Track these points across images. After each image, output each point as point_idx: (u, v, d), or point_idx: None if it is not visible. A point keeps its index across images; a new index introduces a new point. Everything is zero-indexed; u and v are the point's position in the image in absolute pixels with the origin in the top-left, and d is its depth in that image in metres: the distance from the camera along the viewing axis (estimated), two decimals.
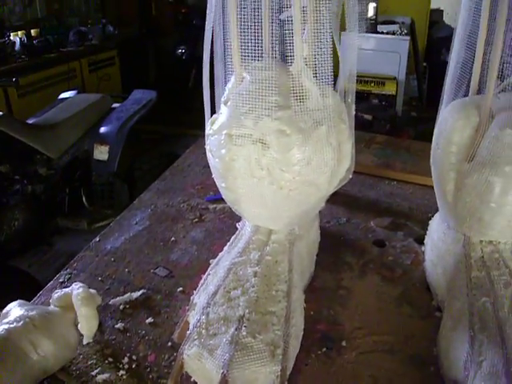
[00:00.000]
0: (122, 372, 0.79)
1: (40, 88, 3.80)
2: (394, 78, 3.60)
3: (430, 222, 1.07)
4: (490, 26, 0.83)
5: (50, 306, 0.84)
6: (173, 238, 1.14)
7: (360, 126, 3.06)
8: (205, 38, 0.82)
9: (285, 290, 0.81)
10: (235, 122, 0.76)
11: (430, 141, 0.96)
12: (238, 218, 0.99)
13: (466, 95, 0.90)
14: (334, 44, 0.78)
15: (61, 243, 2.83)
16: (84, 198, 2.83)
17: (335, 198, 1.21)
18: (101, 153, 2.75)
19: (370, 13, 3.75)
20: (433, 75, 4.20)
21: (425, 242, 1.07)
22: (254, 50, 0.75)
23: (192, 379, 0.76)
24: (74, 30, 4.50)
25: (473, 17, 0.85)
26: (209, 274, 0.87)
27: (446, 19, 4.79)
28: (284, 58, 0.77)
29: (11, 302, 0.83)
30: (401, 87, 3.62)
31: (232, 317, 0.76)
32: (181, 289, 0.98)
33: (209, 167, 0.87)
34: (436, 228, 1.02)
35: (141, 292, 0.96)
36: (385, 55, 3.63)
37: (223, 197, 0.89)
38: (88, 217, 2.79)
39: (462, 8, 0.89)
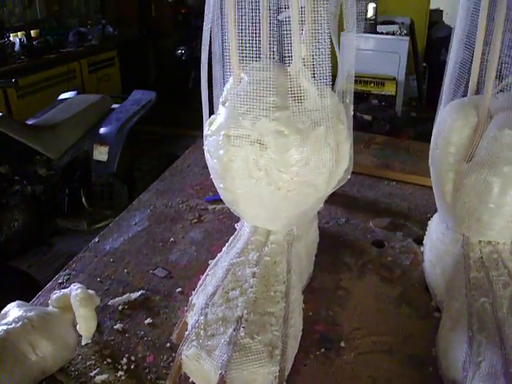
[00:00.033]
0: (120, 373, 0.79)
1: (40, 89, 3.80)
2: (394, 79, 3.60)
3: (429, 222, 1.07)
4: (488, 27, 0.83)
5: (48, 306, 0.84)
6: (172, 239, 1.14)
7: (360, 126, 3.08)
8: (203, 38, 0.82)
9: (283, 290, 0.81)
10: (233, 122, 0.76)
11: (430, 141, 0.96)
12: (237, 219, 0.99)
13: (464, 95, 0.90)
14: (332, 44, 0.78)
15: (60, 244, 2.82)
16: (84, 199, 2.83)
17: (334, 199, 1.21)
18: (100, 153, 2.75)
19: (370, 13, 3.75)
20: (432, 75, 4.20)
21: (424, 242, 1.07)
22: (252, 50, 0.75)
23: (190, 380, 0.76)
24: (74, 31, 4.50)
25: (471, 17, 0.85)
26: (207, 275, 0.87)
27: (446, 19, 4.79)
28: (282, 58, 0.77)
29: (11, 302, 0.83)
30: (400, 87, 3.62)
31: (230, 317, 0.76)
32: (180, 289, 0.98)
33: (208, 168, 0.87)
34: (435, 228, 1.02)
35: (140, 293, 0.96)
36: (384, 55, 3.63)
37: (221, 197, 0.89)
38: (88, 217, 2.79)
39: (460, 8, 0.89)
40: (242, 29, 0.75)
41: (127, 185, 2.85)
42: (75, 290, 0.83)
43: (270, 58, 0.78)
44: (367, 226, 1.20)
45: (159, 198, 1.33)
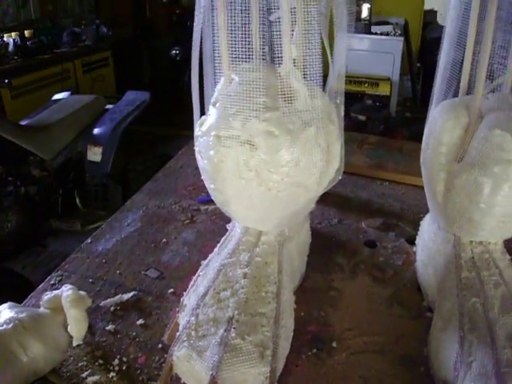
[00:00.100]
0: (112, 374, 0.79)
1: (33, 89, 3.79)
2: (388, 79, 3.61)
3: (421, 222, 1.07)
4: (479, 26, 0.83)
5: (40, 308, 0.84)
6: (164, 240, 1.14)
7: (354, 126, 3.09)
8: (193, 39, 0.82)
9: (274, 291, 0.81)
10: (223, 123, 0.76)
11: None
12: (229, 220, 0.99)
13: (455, 96, 0.90)
14: (323, 45, 0.78)
15: (54, 245, 2.82)
16: (77, 200, 2.84)
17: (327, 199, 1.21)
18: (94, 154, 2.75)
19: (364, 14, 3.76)
20: (427, 76, 4.21)
21: (416, 242, 1.07)
22: (243, 51, 0.75)
23: (182, 381, 0.76)
24: (68, 31, 4.49)
25: (462, 17, 0.85)
26: (199, 276, 0.87)
27: (440, 20, 4.80)
28: (273, 59, 0.77)
29: (3, 304, 0.83)
30: (395, 88, 3.63)
31: (221, 318, 0.75)
32: (172, 290, 0.98)
33: None
34: (427, 228, 1.02)
35: (132, 293, 0.96)
36: (379, 56, 3.64)
37: (212, 198, 0.89)
38: (82, 218, 2.79)
39: (450, 8, 0.89)
40: (232, 30, 0.74)
41: (121, 185, 2.85)
42: (66, 291, 0.83)
43: (260, 58, 0.78)
44: (360, 226, 1.20)
45: (152, 198, 1.33)
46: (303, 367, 0.81)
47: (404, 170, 1.46)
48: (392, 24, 3.88)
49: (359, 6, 3.72)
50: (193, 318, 0.76)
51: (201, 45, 0.82)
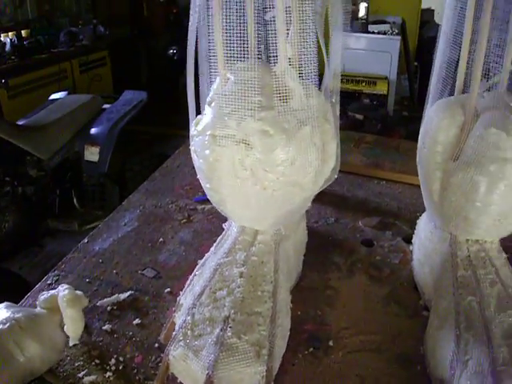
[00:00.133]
0: (108, 374, 0.79)
1: (31, 89, 3.79)
2: (386, 78, 3.61)
3: (417, 221, 1.07)
4: (475, 25, 0.83)
5: (37, 307, 0.84)
6: (161, 239, 1.14)
7: (351, 125, 3.09)
8: (188, 38, 0.82)
9: (270, 290, 0.81)
10: (219, 122, 0.76)
11: None
12: (226, 219, 0.99)
13: (451, 94, 0.90)
14: (318, 44, 0.78)
15: (52, 245, 2.82)
16: (75, 200, 2.83)
17: (323, 198, 1.21)
18: (91, 154, 2.75)
19: (362, 13, 3.76)
20: (424, 75, 4.21)
21: (412, 241, 1.07)
22: (239, 50, 0.75)
23: (178, 380, 0.76)
24: (65, 31, 4.48)
25: (458, 16, 0.85)
26: (195, 275, 0.87)
27: (437, 19, 4.80)
28: (268, 58, 0.77)
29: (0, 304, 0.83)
30: (392, 87, 3.63)
31: (217, 317, 0.75)
32: (168, 289, 0.98)
33: None
34: (423, 227, 1.02)
35: (128, 293, 0.96)
36: (376, 55, 3.64)
37: (208, 198, 0.89)
38: (79, 218, 2.79)
39: (446, 7, 0.89)
40: (228, 29, 0.74)
41: (118, 185, 2.85)
42: (63, 290, 0.83)
43: (256, 58, 0.78)
44: (356, 225, 1.20)
45: (149, 198, 1.33)
46: (300, 366, 0.81)
47: (401, 169, 1.46)
48: (389, 23, 3.88)
49: (356, 4, 3.72)
50: (189, 318, 0.76)
51: (196, 44, 0.82)
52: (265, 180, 0.77)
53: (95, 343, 0.85)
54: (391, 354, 0.83)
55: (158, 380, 0.74)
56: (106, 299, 0.95)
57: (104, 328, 0.88)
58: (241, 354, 0.70)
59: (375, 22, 3.87)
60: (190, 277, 0.88)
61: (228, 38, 0.75)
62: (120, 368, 0.80)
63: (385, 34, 3.78)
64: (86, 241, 1.14)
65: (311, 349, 0.84)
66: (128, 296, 0.95)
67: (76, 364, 0.81)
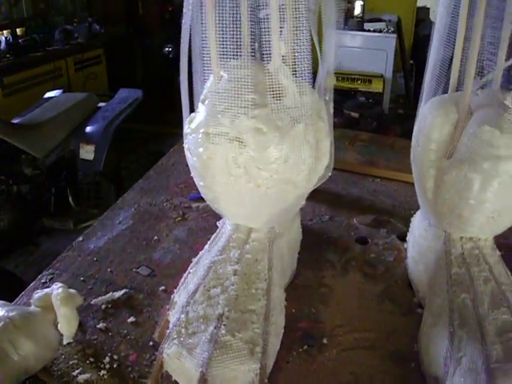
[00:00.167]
0: (103, 372, 0.79)
1: (25, 87, 3.78)
2: (381, 76, 3.61)
3: (412, 219, 1.07)
4: (468, 23, 0.83)
5: (31, 306, 0.84)
6: (156, 237, 1.14)
7: (347, 123, 3.09)
8: (181, 36, 0.82)
9: (264, 288, 0.81)
10: (212, 120, 0.76)
11: None
12: (220, 217, 0.99)
13: (445, 92, 0.90)
14: (312, 42, 0.78)
15: (47, 243, 2.82)
16: (70, 198, 2.83)
17: (318, 196, 1.21)
18: (87, 152, 2.75)
19: (357, 11, 3.76)
20: (419, 73, 4.17)
21: (407, 238, 1.07)
22: (232, 48, 0.75)
23: (172, 378, 0.76)
24: (60, 29, 4.47)
25: (451, 14, 0.85)
26: (189, 273, 0.87)
27: (433, 17, 4.80)
28: (262, 56, 0.77)
29: None
30: (388, 85, 3.63)
31: (211, 315, 0.75)
32: (163, 288, 0.97)
33: None
34: (417, 225, 1.02)
35: (123, 291, 0.96)
36: (371, 53, 3.64)
37: (202, 195, 0.89)
38: (74, 217, 2.78)
39: (440, 5, 0.89)
40: (221, 27, 0.74)
41: (114, 183, 2.84)
42: (56, 289, 0.82)
43: (249, 55, 0.78)
44: (351, 223, 1.20)
45: (143, 196, 1.33)
46: (294, 364, 0.81)
47: (396, 167, 1.46)
48: (385, 21, 3.88)
49: (352, 2, 3.72)
50: (183, 316, 0.76)
51: (190, 42, 0.82)
52: (258, 178, 0.77)
53: (89, 341, 0.85)
54: (385, 352, 0.83)
55: (152, 378, 0.74)
56: (100, 297, 0.94)
57: (98, 326, 0.88)
58: (235, 351, 0.70)
59: (371, 20, 3.86)
60: (184, 275, 0.88)
61: (221, 36, 0.75)
62: (114, 366, 0.80)
63: (380, 32, 3.77)
64: (80, 239, 1.14)
65: (305, 346, 0.84)
66: (122, 294, 0.95)
67: (70, 362, 0.81)
